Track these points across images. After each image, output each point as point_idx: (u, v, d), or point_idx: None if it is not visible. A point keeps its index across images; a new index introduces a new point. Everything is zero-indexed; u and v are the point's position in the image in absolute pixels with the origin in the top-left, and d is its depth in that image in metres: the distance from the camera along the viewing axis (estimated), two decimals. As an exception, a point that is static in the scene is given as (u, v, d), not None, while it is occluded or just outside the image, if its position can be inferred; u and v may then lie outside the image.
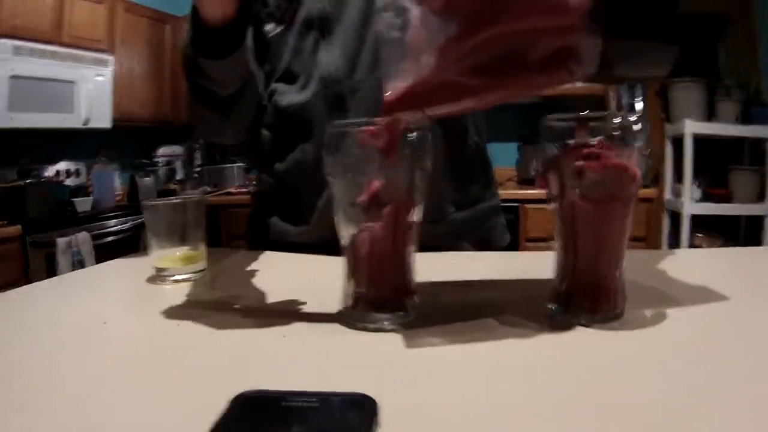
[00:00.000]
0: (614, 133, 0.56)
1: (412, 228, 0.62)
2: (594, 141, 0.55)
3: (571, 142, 0.57)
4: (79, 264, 3.17)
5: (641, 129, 0.57)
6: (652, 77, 0.60)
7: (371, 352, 0.54)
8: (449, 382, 0.47)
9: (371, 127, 0.57)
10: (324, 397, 0.40)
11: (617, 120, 0.57)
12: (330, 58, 1.00)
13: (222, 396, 0.40)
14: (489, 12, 0.50)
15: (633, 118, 0.57)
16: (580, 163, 0.55)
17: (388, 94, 0.55)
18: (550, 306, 0.61)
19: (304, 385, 0.43)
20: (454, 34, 0.51)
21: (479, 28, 0.51)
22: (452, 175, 1.07)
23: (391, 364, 0.51)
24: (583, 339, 0.55)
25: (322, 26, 1.01)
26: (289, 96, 1.04)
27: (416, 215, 0.61)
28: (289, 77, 1.05)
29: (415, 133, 0.59)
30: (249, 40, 0.95)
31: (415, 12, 0.53)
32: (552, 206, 0.60)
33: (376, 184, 0.57)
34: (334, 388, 0.42)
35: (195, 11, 0.85)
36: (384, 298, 0.62)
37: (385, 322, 0.61)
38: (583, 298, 0.59)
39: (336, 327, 0.61)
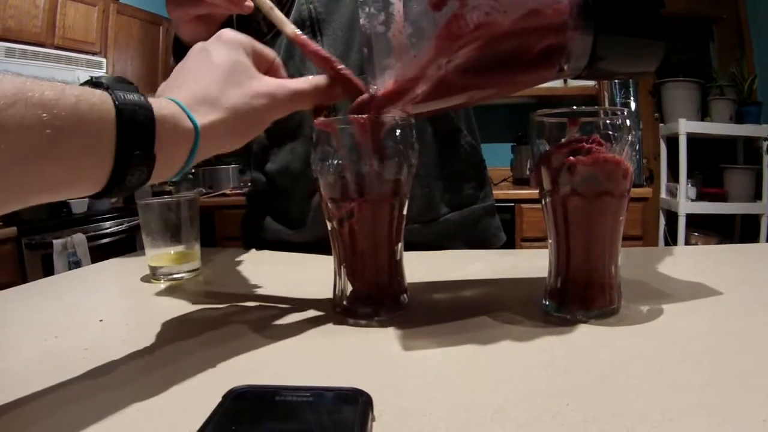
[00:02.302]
0: (605, 129, 0.56)
1: (400, 224, 0.62)
2: (585, 136, 0.55)
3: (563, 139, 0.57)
4: (75, 265, 3.16)
5: (632, 124, 0.57)
6: (640, 73, 0.60)
7: (364, 348, 0.54)
8: (442, 376, 0.47)
9: (358, 118, 0.58)
10: (318, 392, 0.40)
11: (608, 115, 0.57)
12: None
13: (215, 392, 0.40)
14: (484, 9, 0.50)
15: (624, 112, 0.57)
16: (571, 158, 0.55)
17: (375, 90, 0.56)
18: (544, 302, 0.61)
19: (297, 380, 0.43)
20: (448, 32, 0.51)
21: (467, 27, 0.51)
22: (445, 176, 1.06)
23: (385, 359, 0.51)
24: (578, 335, 0.55)
25: (312, 29, 1.00)
26: None
27: (403, 211, 0.62)
28: None
29: (399, 130, 0.60)
30: None
31: (398, 6, 0.53)
32: (544, 202, 0.60)
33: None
34: (327, 383, 0.42)
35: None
36: (372, 294, 0.62)
37: (375, 318, 0.61)
38: (578, 294, 0.59)
39: (329, 323, 0.61)
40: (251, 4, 0.70)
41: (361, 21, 0.56)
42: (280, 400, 0.40)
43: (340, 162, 0.58)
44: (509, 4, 0.51)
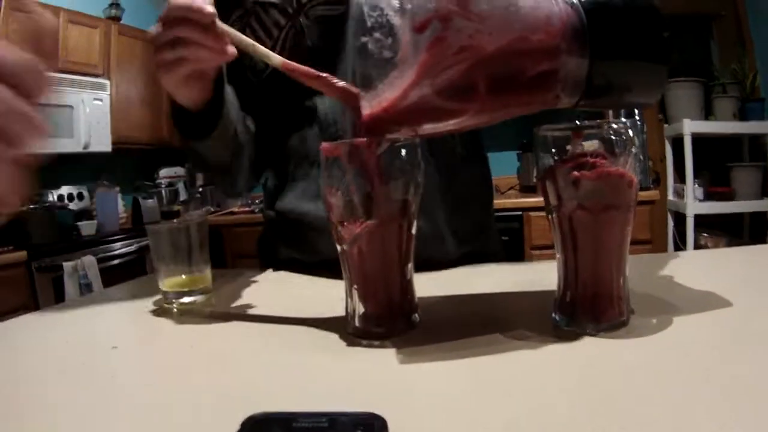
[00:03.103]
0: (609, 141, 0.56)
1: (409, 244, 0.63)
2: (589, 149, 0.56)
3: (567, 149, 0.57)
4: (86, 287, 3.18)
5: (636, 135, 0.57)
6: (640, 103, 0.60)
7: (378, 369, 0.54)
8: (456, 396, 0.47)
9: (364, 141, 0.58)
10: (333, 417, 0.41)
11: (611, 127, 0.58)
12: (327, 100, 1.00)
13: (231, 419, 0.41)
14: (468, 31, 0.51)
15: (627, 124, 0.57)
16: (575, 173, 0.56)
17: (367, 112, 0.56)
18: (554, 316, 0.61)
19: (313, 405, 0.44)
20: (430, 54, 0.51)
21: (457, 48, 0.51)
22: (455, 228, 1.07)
23: (399, 380, 0.52)
24: (588, 348, 0.55)
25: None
26: (290, 138, 1.06)
27: (412, 231, 0.62)
28: (289, 121, 1.06)
29: (405, 149, 0.60)
30: (234, 114, 0.99)
31: (405, 33, 0.53)
32: (550, 217, 0.60)
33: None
34: (342, 408, 0.42)
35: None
36: (384, 315, 0.63)
37: (388, 338, 0.61)
38: (587, 306, 0.59)
39: (342, 345, 0.62)
40: (233, 50, 0.74)
41: (369, 46, 0.57)
42: (297, 427, 0.40)
43: (347, 184, 0.59)
44: (495, 27, 0.51)
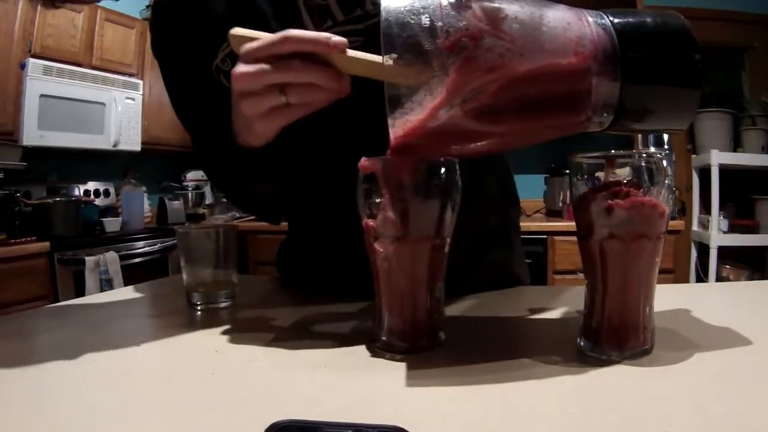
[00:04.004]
0: (642, 170, 0.56)
1: (441, 263, 0.63)
2: (623, 179, 0.56)
3: (599, 176, 0.57)
4: (106, 283, 3.21)
5: (669, 165, 0.57)
6: (671, 128, 0.59)
7: (399, 385, 0.54)
8: (478, 413, 0.47)
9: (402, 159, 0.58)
10: (359, 429, 0.41)
11: (645, 157, 0.58)
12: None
13: (256, 425, 0.41)
14: (498, 51, 0.51)
15: (660, 155, 0.57)
16: (608, 201, 0.56)
17: (395, 133, 0.54)
18: (579, 341, 0.61)
19: (335, 414, 0.44)
20: (459, 74, 0.51)
21: (487, 68, 0.51)
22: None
23: (421, 395, 0.52)
24: (612, 375, 0.55)
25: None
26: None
27: (444, 250, 0.63)
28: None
29: (443, 168, 0.60)
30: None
31: (435, 52, 0.52)
32: (581, 244, 0.60)
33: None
34: (364, 419, 0.43)
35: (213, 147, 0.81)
36: (409, 330, 0.63)
37: (412, 354, 0.61)
38: (612, 334, 0.59)
39: (367, 357, 0.62)
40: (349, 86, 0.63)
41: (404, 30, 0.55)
42: (322, 436, 0.40)
43: (382, 201, 0.59)
44: (526, 47, 0.51)
